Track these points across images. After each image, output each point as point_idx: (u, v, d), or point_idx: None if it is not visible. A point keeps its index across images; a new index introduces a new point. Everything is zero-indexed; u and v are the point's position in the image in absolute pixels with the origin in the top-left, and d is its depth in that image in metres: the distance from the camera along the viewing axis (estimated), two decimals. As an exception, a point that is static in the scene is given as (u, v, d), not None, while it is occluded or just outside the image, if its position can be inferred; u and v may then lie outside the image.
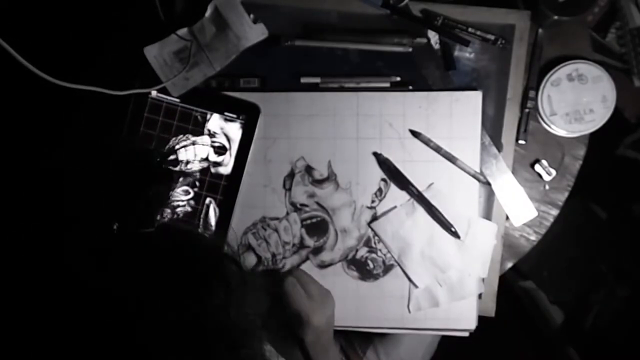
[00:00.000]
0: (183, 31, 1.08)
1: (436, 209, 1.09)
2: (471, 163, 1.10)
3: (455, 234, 1.09)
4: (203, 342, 0.71)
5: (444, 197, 1.10)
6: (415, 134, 1.10)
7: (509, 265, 1.15)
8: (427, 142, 1.09)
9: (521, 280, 1.67)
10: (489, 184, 1.10)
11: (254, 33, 1.09)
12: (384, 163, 1.10)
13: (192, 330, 0.71)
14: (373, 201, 1.11)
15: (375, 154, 1.10)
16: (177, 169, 1.10)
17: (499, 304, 1.12)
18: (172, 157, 1.09)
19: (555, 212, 1.15)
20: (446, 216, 1.09)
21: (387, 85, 1.11)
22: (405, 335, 1.21)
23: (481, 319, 1.12)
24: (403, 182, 1.10)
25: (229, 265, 0.79)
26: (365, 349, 1.22)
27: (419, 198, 1.09)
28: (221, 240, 1.07)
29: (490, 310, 1.13)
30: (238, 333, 0.75)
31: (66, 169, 0.94)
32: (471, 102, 1.10)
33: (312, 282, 1.05)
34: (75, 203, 0.84)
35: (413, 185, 1.09)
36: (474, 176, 1.09)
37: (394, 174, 1.10)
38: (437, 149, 1.09)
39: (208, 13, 1.08)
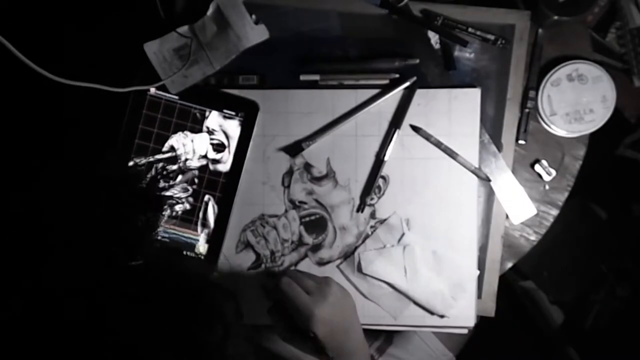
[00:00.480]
0: (184, 29, 1.09)
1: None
2: (470, 160, 1.10)
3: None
4: None
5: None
6: (415, 129, 1.10)
7: (509, 265, 1.15)
8: (427, 137, 1.09)
9: (521, 280, 1.67)
10: (488, 179, 1.10)
11: (255, 34, 1.09)
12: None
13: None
14: (372, 198, 1.11)
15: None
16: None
17: (498, 304, 1.12)
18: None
19: (555, 212, 1.15)
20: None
21: (387, 82, 1.11)
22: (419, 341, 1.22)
23: (481, 319, 1.13)
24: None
25: (225, 300, 0.79)
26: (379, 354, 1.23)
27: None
28: (212, 266, 1.08)
29: (490, 310, 1.13)
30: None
31: (49, 201, 0.92)
32: (470, 99, 1.10)
33: (307, 277, 1.04)
34: (59, 234, 0.81)
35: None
36: (473, 172, 1.09)
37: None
38: (438, 144, 1.09)
39: (210, 12, 1.08)
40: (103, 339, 0.69)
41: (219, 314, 0.76)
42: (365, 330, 1.07)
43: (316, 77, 1.11)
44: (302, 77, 1.11)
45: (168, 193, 1.09)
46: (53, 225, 0.79)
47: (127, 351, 0.69)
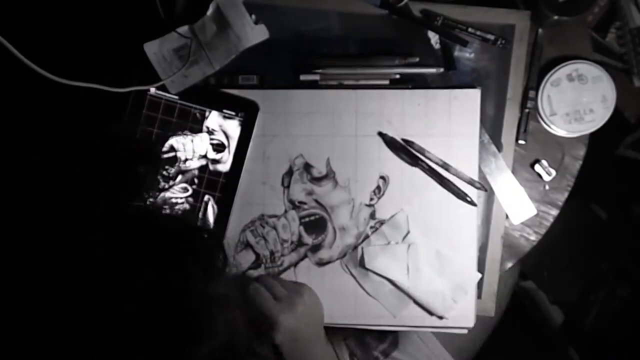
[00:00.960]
0: (184, 29, 1.09)
1: (448, 181, 1.09)
2: (470, 161, 1.10)
3: (472, 203, 1.10)
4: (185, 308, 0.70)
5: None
6: (409, 143, 1.10)
7: (509, 265, 1.15)
8: (421, 151, 1.10)
9: (521, 280, 1.67)
10: (485, 189, 1.10)
11: (255, 34, 1.09)
12: (390, 143, 1.10)
13: (174, 296, 0.70)
14: (372, 199, 1.11)
15: (381, 134, 1.10)
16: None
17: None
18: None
19: (555, 212, 1.14)
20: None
21: (387, 82, 1.11)
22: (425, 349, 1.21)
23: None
24: (413, 158, 1.10)
25: (212, 242, 0.79)
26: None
27: (430, 172, 1.10)
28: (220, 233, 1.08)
29: (490, 310, 1.13)
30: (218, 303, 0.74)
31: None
32: (470, 99, 1.10)
33: (278, 284, 1.05)
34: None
35: (423, 161, 1.10)
36: (469, 182, 1.09)
37: (403, 152, 1.10)
38: (430, 158, 1.10)
39: (210, 12, 1.08)
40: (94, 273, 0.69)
41: (204, 255, 0.76)
42: (370, 332, 1.07)
43: (316, 77, 1.11)
44: (302, 77, 1.11)
45: (168, 194, 1.09)
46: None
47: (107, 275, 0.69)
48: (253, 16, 1.09)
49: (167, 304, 0.68)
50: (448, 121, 1.10)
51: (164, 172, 1.10)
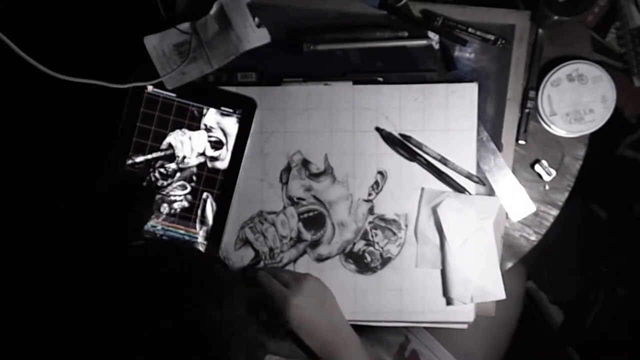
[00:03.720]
0: (185, 25, 1.09)
1: (447, 175, 1.10)
2: (468, 155, 1.11)
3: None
4: (198, 343, 0.72)
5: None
6: (406, 138, 1.10)
7: (509, 265, 1.15)
8: (419, 146, 1.10)
9: (521, 281, 1.66)
10: (483, 183, 1.10)
11: (256, 37, 1.09)
12: (388, 138, 1.10)
13: (189, 333, 0.72)
14: (370, 194, 1.11)
15: (378, 129, 1.11)
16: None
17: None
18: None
19: (555, 212, 1.14)
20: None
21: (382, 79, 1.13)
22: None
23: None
24: (411, 153, 1.10)
25: (216, 266, 0.81)
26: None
27: (428, 166, 1.10)
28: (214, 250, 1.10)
29: (490, 310, 1.13)
30: (230, 330, 0.76)
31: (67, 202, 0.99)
32: (467, 94, 1.10)
33: (283, 272, 1.09)
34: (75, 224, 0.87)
35: (421, 156, 1.10)
36: (467, 177, 1.10)
37: (400, 146, 1.10)
38: (429, 152, 1.10)
39: (213, 11, 1.09)
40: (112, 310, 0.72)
41: (213, 284, 0.78)
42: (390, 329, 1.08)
43: (299, 80, 1.12)
44: (285, 81, 1.12)
45: (166, 191, 1.10)
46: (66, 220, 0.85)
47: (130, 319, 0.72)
48: (256, 19, 1.09)
49: (187, 345, 0.71)
50: (445, 116, 1.10)
51: (163, 170, 1.10)
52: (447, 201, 1.09)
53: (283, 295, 1.02)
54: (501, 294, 1.10)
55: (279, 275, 1.06)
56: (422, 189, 1.10)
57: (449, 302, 1.11)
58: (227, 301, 0.77)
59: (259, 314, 0.99)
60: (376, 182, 1.11)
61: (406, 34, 1.11)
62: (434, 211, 1.10)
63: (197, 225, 1.11)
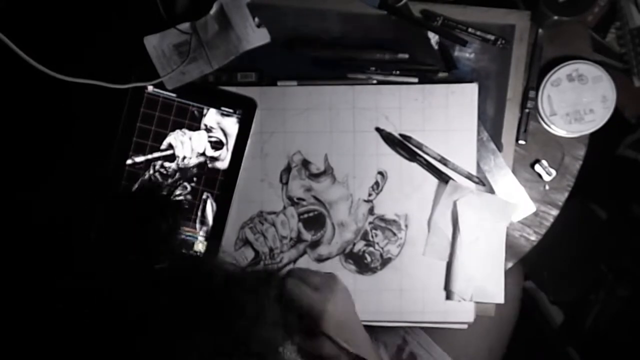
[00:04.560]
0: (185, 25, 1.09)
1: (447, 176, 1.10)
2: (468, 155, 1.11)
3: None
4: None
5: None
6: (406, 138, 1.10)
7: (509, 265, 1.15)
8: (419, 146, 1.10)
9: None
10: (482, 184, 1.10)
11: (256, 37, 1.09)
12: (388, 138, 1.10)
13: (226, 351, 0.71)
14: (370, 194, 1.11)
15: (378, 129, 1.11)
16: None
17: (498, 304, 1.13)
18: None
19: (555, 212, 1.14)
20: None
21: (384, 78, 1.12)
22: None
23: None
24: (411, 154, 1.10)
25: (248, 295, 0.79)
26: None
27: (429, 167, 1.10)
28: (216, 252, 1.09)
29: (490, 311, 1.13)
30: (263, 348, 0.76)
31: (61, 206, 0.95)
32: (467, 94, 1.10)
33: (311, 274, 1.06)
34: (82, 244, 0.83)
35: (421, 156, 1.10)
36: (467, 177, 1.10)
37: (400, 147, 1.10)
38: (429, 152, 1.10)
39: (213, 11, 1.09)
40: (134, 342, 0.70)
41: (241, 310, 0.77)
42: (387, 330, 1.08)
43: (294, 83, 1.11)
44: (280, 84, 1.11)
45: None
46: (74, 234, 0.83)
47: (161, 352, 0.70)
48: (256, 19, 1.09)
49: None
50: (445, 116, 1.10)
51: (163, 170, 1.10)
52: (469, 197, 1.09)
53: (318, 305, 1.00)
54: (500, 298, 1.10)
55: (308, 280, 1.04)
56: (448, 181, 1.10)
57: (448, 296, 1.11)
58: (261, 322, 0.77)
59: (294, 325, 0.97)
60: (376, 183, 1.11)
61: (407, 56, 1.11)
62: (454, 204, 1.10)
63: (197, 226, 1.11)
